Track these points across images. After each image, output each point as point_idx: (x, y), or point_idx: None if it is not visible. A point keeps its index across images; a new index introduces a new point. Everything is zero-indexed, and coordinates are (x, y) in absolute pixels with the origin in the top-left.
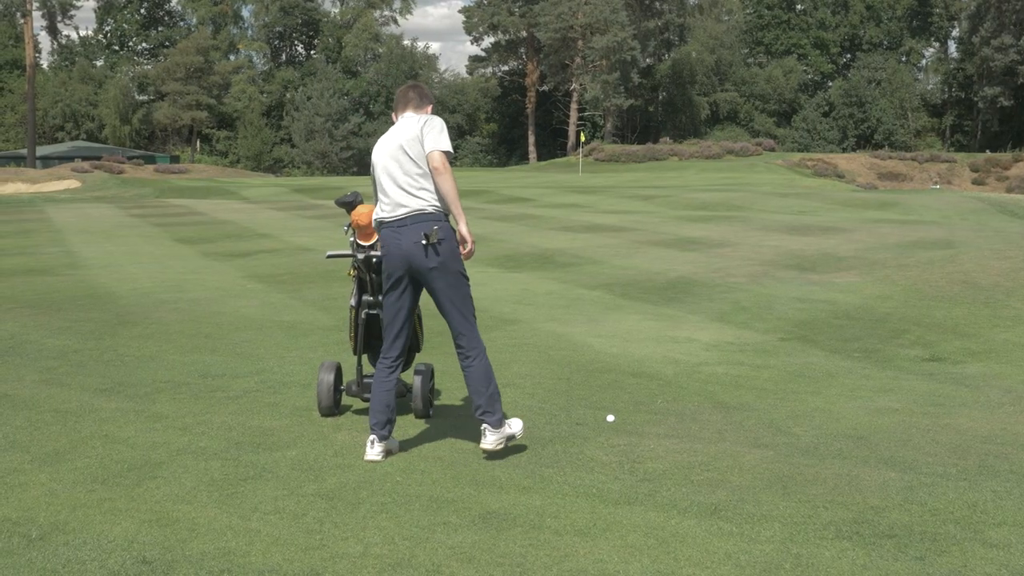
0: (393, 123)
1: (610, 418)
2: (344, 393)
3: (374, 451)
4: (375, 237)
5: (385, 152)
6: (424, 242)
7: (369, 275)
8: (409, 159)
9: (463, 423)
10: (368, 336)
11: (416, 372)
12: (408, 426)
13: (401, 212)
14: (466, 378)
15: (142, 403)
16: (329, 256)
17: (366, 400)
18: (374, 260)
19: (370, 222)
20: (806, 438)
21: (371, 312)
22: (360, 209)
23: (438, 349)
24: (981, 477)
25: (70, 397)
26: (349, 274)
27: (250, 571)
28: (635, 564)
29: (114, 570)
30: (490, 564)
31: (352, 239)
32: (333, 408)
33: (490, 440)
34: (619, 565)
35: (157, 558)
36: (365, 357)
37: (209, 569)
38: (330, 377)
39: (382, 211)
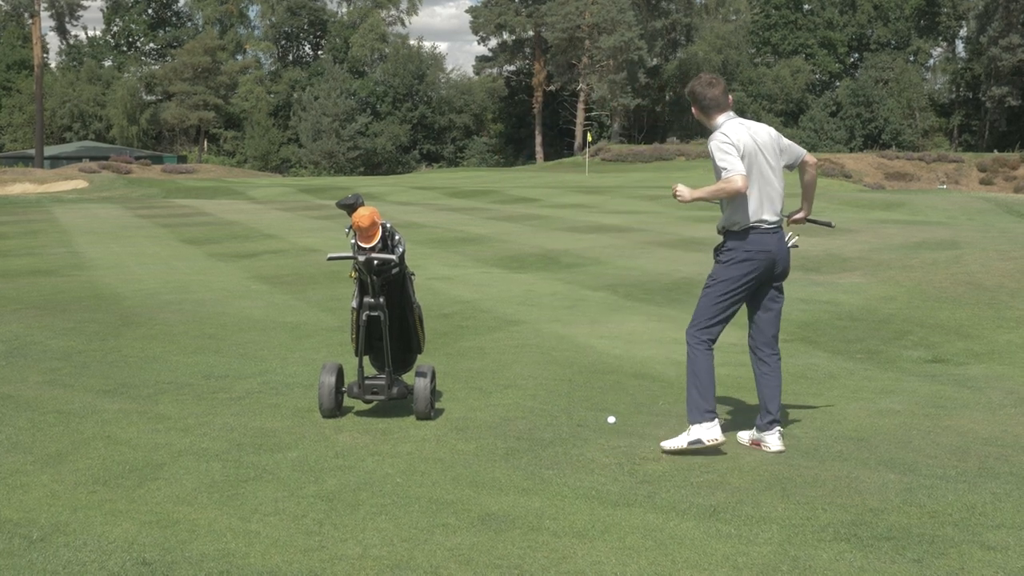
0: (708, 114)
1: (611, 420)
2: (346, 395)
3: (780, 441)
4: (376, 239)
5: (766, 156)
6: (794, 247)
7: (370, 277)
8: (779, 171)
9: (464, 425)
10: (369, 338)
11: (418, 374)
12: (409, 427)
13: (776, 218)
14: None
15: (145, 404)
16: (330, 259)
17: (367, 402)
18: (375, 263)
19: (371, 224)
20: (806, 440)
21: (372, 314)
22: (361, 211)
23: (440, 351)
24: (981, 479)
25: (73, 398)
26: (351, 276)
27: (249, 573)
28: (633, 566)
29: (114, 571)
30: (488, 566)
31: (353, 241)
32: (335, 410)
33: (667, 443)
34: (617, 567)
35: (157, 559)
36: (367, 359)
37: (208, 571)
38: (331, 379)
39: (760, 222)
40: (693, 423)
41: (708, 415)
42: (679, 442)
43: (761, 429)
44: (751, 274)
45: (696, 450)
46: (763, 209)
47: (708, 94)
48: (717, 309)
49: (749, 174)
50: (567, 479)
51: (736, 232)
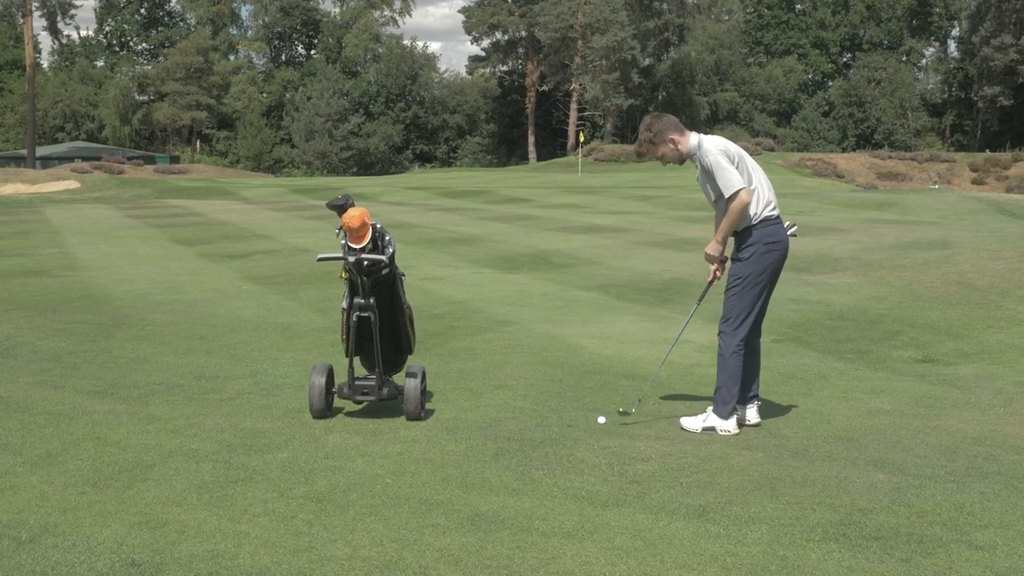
0: (683, 141)
1: (601, 420)
2: (336, 395)
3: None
4: (366, 240)
5: (751, 157)
6: (794, 236)
7: (360, 278)
8: None
9: (455, 425)
10: (360, 339)
11: (408, 374)
12: (400, 428)
13: (778, 212)
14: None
15: (135, 405)
16: (320, 259)
17: (358, 403)
18: (365, 263)
19: (361, 224)
20: (796, 440)
21: (362, 315)
22: (351, 212)
23: (431, 351)
24: (969, 479)
25: (63, 399)
26: (341, 276)
27: (238, 573)
28: (622, 566)
29: (103, 572)
30: (477, 566)
31: (343, 242)
32: (325, 411)
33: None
34: (606, 567)
35: (146, 560)
36: (357, 360)
37: (198, 571)
38: (322, 379)
39: (767, 206)
40: (716, 414)
41: (731, 411)
42: (695, 424)
43: (743, 405)
44: (774, 264)
45: (685, 452)
46: (768, 199)
47: (670, 117)
48: (748, 304)
49: (750, 171)
50: (557, 479)
51: (754, 226)
